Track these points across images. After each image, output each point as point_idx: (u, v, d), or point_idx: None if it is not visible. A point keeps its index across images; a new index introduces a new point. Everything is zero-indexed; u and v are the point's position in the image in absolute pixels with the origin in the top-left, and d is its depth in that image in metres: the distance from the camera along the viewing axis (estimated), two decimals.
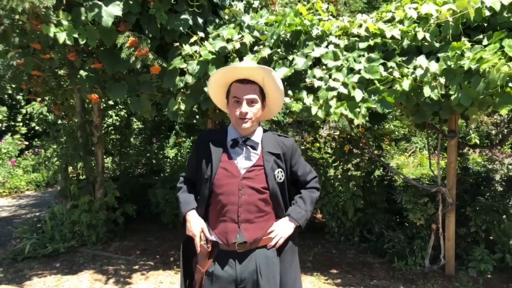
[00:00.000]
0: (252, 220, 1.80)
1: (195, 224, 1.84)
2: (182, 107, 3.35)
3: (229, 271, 1.80)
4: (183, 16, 3.32)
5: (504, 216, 4.07)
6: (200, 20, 3.44)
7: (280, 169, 1.86)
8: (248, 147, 1.84)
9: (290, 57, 3.29)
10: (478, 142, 7.81)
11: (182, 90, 3.44)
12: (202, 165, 1.86)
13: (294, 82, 3.33)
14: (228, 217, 1.79)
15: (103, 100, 5.23)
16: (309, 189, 2.01)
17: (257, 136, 1.88)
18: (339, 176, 4.97)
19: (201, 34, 3.31)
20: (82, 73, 3.54)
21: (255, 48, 3.41)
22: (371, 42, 3.23)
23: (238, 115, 1.78)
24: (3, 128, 10.68)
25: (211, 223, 1.87)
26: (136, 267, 4.33)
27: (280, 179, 1.85)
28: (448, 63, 2.87)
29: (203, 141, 1.90)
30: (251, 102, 1.79)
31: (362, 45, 3.26)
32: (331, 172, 5.18)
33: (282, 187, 1.88)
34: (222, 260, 1.82)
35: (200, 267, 1.82)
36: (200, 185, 1.89)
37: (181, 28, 3.31)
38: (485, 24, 3.05)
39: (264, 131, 1.94)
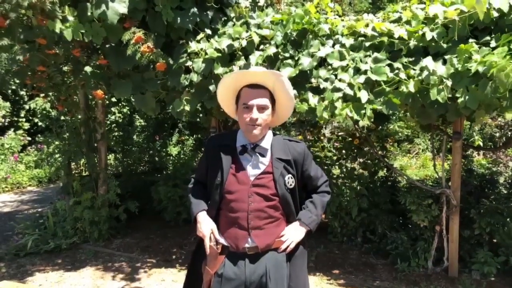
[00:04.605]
0: (262, 226, 1.79)
1: (205, 225, 1.83)
2: (187, 108, 3.34)
3: (238, 274, 1.78)
4: (189, 13, 3.30)
5: (508, 219, 4.04)
6: (207, 17, 3.43)
7: (290, 175, 1.83)
8: (257, 154, 1.81)
9: (296, 57, 3.28)
10: (481, 144, 7.79)
11: (187, 88, 3.43)
12: (212, 171, 1.84)
13: (299, 82, 3.31)
14: (238, 223, 1.78)
15: (106, 96, 5.24)
16: (320, 193, 1.99)
17: (267, 142, 1.85)
18: (343, 175, 4.96)
19: (208, 32, 3.29)
20: (87, 69, 3.53)
21: (261, 46, 3.40)
22: (376, 41, 3.21)
23: (248, 121, 1.74)
24: (6, 124, 10.69)
25: (221, 228, 1.85)
26: (138, 264, 4.33)
27: (291, 185, 1.83)
28: (456, 65, 2.85)
29: (212, 146, 1.88)
30: (261, 108, 1.75)
31: (369, 43, 3.24)
32: (335, 171, 5.17)
33: (292, 193, 1.86)
34: (232, 262, 1.81)
35: (209, 268, 1.80)
36: (210, 190, 1.88)
37: (188, 26, 3.29)
38: (493, 26, 3.03)
39: (274, 135, 1.91)
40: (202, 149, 2.07)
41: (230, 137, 1.89)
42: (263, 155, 1.82)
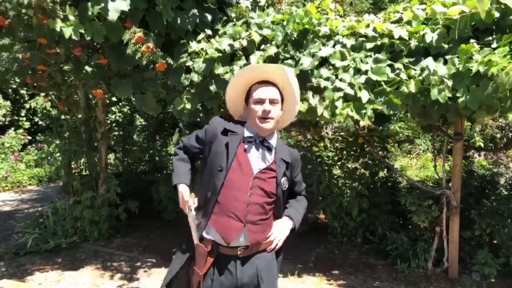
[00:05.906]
0: (256, 221, 1.78)
1: (186, 197, 1.80)
2: (188, 106, 3.34)
3: (229, 277, 1.76)
4: (190, 14, 3.30)
5: (508, 220, 4.03)
6: (207, 18, 3.42)
7: (285, 178, 1.87)
8: (265, 148, 1.82)
9: (297, 57, 3.27)
10: (482, 145, 7.77)
11: (187, 88, 3.42)
12: (215, 154, 1.80)
13: (300, 82, 3.29)
14: (234, 214, 1.73)
15: (106, 96, 5.24)
16: (303, 196, 2.09)
17: (274, 140, 1.87)
18: (344, 175, 4.95)
19: (209, 32, 3.28)
20: (88, 68, 3.52)
21: (262, 46, 3.39)
22: (378, 42, 3.20)
23: (261, 114, 1.77)
24: (7, 123, 10.69)
25: (215, 216, 1.77)
26: (138, 264, 4.32)
27: (285, 187, 1.87)
28: (457, 65, 2.84)
29: (219, 128, 1.84)
30: (273, 102, 1.80)
31: (369, 45, 3.23)
32: (335, 171, 5.16)
33: (283, 195, 1.90)
34: (222, 265, 1.77)
35: (197, 270, 1.75)
36: (208, 173, 1.82)
37: (188, 26, 3.28)
38: (494, 27, 3.01)
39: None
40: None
41: (238, 124, 1.88)
42: (269, 150, 1.84)
